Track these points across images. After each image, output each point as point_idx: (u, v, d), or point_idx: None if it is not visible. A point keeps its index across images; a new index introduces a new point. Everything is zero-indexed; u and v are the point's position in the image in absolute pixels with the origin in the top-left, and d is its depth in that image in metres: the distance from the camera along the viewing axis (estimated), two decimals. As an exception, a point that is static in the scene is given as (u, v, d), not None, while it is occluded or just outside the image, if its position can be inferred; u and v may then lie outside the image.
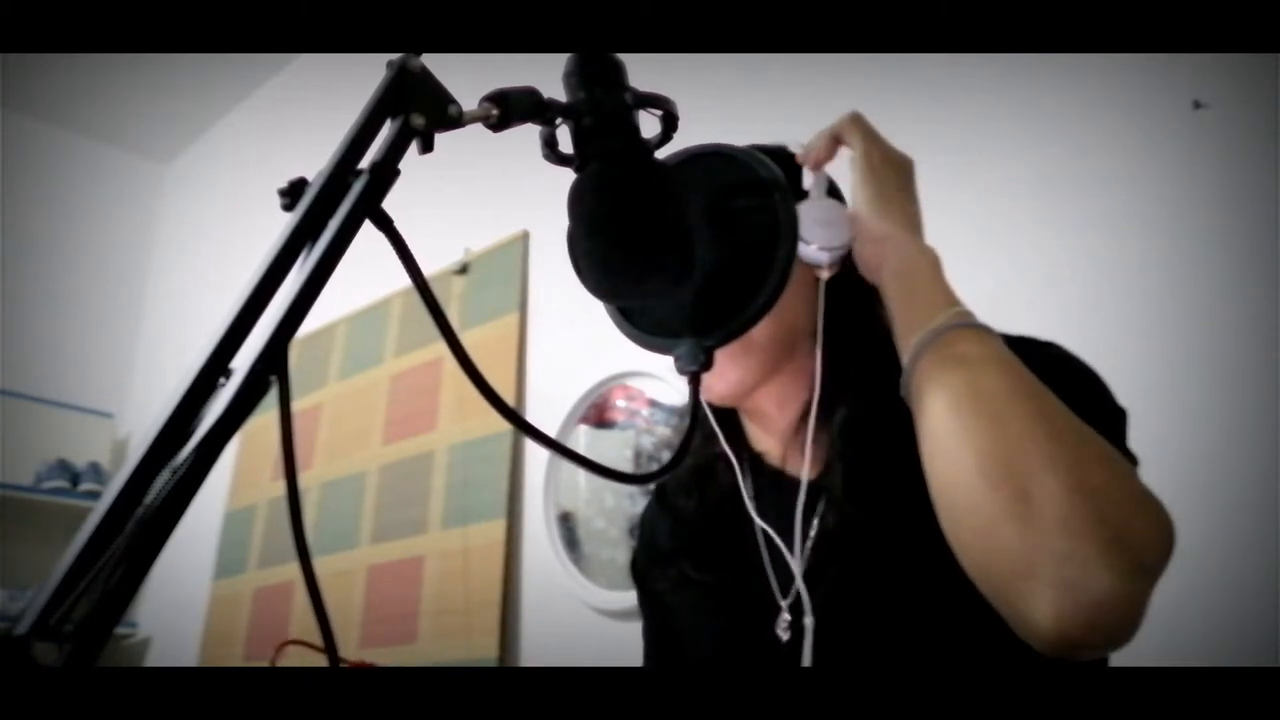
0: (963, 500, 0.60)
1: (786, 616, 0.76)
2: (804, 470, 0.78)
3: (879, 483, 0.72)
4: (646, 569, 0.92)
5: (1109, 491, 0.57)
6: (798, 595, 0.76)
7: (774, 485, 0.82)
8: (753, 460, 0.85)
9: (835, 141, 0.77)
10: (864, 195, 0.74)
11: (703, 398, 0.82)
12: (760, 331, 0.74)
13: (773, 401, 0.81)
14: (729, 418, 0.87)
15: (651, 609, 0.93)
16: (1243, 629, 1.21)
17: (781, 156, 0.80)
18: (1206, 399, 1.32)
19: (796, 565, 0.77)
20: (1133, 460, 0.67)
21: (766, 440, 0.84)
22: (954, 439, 0.61)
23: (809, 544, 0.77)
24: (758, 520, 0.81)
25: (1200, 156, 1.41)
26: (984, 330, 0.66)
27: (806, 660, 0.73)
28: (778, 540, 0.79)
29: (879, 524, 0.72)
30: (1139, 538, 0.56)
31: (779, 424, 0.82)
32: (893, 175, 0.74)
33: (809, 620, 0.74)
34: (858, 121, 0.76)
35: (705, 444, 0.87)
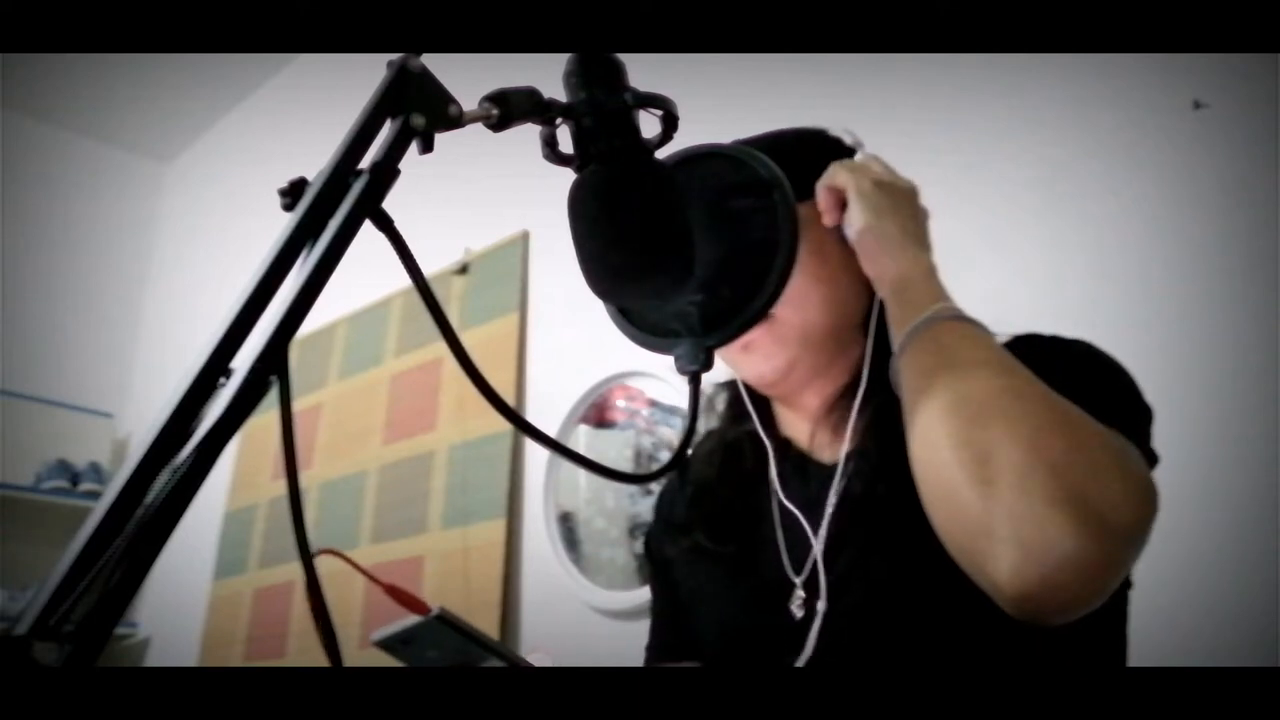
0: (932, 470, 0.63)
1: (801, 594, 0.77)
2: (843, 448, 0.80)
3: (904, 467, 0.73)
4: (661, 540, 0.93)
5: (1071, 453, 0.59)
6: (812, 572, 0.77)
7: (799, 469, 0.84)
8: (779, 444, 0.86)
9: (833, 192, 0.79)
10: (859, 221, 0.76)
11: (745, 378, 0.85)
12: (816, 321, 0.78)
13: (811, 387, 0.83)
14: (760, 399, 0.88)
15: (662, 582, 0.93)
16: (1243, 629, 1.21)
17: (826, 141, 0.84)
18: (1206, 399, 1.32)
19: (818, 545, 0.77)
20: (1152, 458, 0.68)
21: (796, 425, 0.86)
22: (926, 415, 0.64)
23: (825, 523, 0.78)
24: (781, 497, 0.82)
25: (1200, 156, 1.41)
26: (966, 320, 0.69)
27: (814, 635, 0.74)
28: (802, 520, 0.80)
29: (902, 506, 0.72)
30: (1103, 500, 0.57)
31: (812, 408, 0.84)
32: (885, 198, 0.77)
33: (821, 605, 0.75)
34: (841, 165, 0.80)
35: (735, 423, 0.89)
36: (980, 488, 0.59)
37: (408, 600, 0.74)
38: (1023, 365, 0.65)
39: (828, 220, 0.79)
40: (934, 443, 0.63)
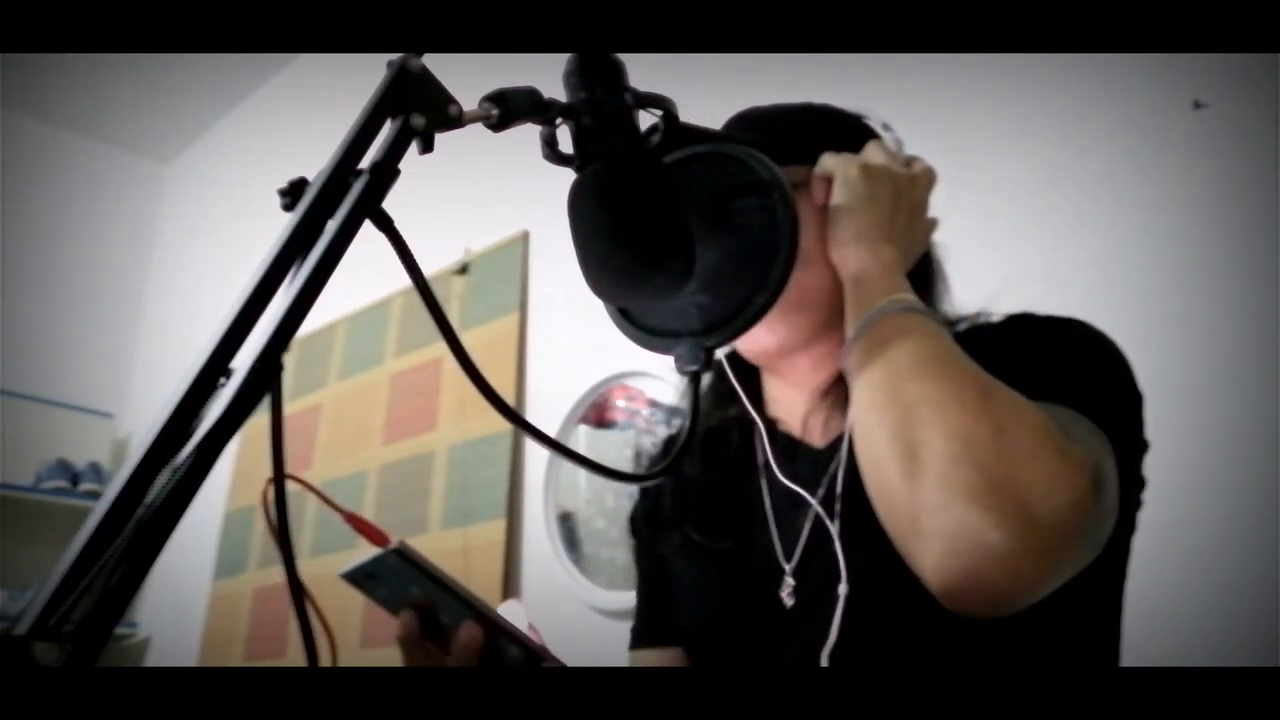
0: (868, 463, 0.65)
1: (791, 581, 0.76)
2: (836, 430, 0.79)
3: None
4: (650, 531, 0.92)
5: (995, 440, 0.59)
6: (801, 559, 0.76)
7: (788, 452, 0.82)
8: (768, 426, 0.85)
9: (824, 180, 0.79)
10: (833, 204, 0.76)
11: (747, 351, 0.84)
12: (820, 290, 0.77)
13: (808, 364, 0.82)
14: (750, 380, 0.87)
15: (650, 568, 0.92)
16: (1243, 629, 1.21)
17: (845, 117, 0.86)
18: (1206, 399, 1.32)
19: (834, 529, 0.76)
20: (1140, 445, 0.68)
21: (789, 405, 0.84)
22: (864, 410, 0.66)
23: (836, 509, 0.76)
24: (781, 477, 0.81)
25: (1200, 156, 1.41)
26: (914, 312, 0.69)
27: (835, 626, 0.72)
28: (798, 502, 0.78)
29: None
30: (1028, 486, 0.57)
31: (807, 389, 0.82)
32: (866, 186, 0.76)
33: (843, 589, 0.73)
34: (833, 154, 0.79)
35: (719, 406, 0.88)
36: (908, 481, 0.60)
37: (369, 531, 0.75)
38: (964, 355, 0.65)
39: (818, 199, 0.79)
40: (870, 437, 0.65)
